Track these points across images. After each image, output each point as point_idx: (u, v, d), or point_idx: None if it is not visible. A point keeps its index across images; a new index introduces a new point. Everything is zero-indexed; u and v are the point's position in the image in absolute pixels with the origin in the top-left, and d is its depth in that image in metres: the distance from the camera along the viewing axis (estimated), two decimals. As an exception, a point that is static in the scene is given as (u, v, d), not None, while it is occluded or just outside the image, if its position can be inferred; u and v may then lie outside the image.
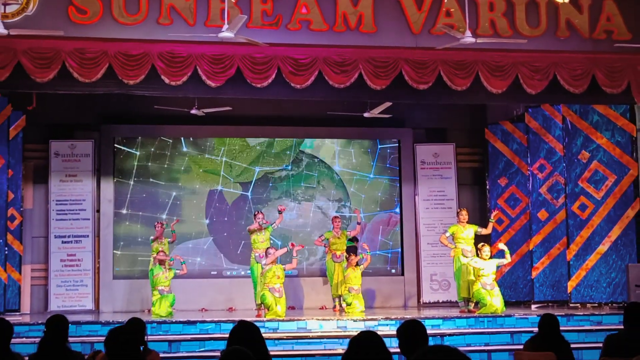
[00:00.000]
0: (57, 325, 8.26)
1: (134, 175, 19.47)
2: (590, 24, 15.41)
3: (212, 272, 19.50)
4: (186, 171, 19.68)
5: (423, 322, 6.51)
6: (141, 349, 7.05)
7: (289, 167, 20.05)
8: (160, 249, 17.14)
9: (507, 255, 16.56)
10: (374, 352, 5.26)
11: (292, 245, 16.68)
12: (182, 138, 19.70)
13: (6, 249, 17.40)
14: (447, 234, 17.04)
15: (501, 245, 16.77)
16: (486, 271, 16.21)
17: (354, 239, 18.53)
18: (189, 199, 19.66)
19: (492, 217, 17.21)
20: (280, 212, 17.27)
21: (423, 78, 15.16)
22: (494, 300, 15.99)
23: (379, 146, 20.40)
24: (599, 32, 15.41)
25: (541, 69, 15.46)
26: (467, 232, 16.95)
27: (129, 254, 19.19)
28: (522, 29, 15.16)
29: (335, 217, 18.34)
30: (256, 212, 17.41)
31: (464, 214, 17.08)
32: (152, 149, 19.59)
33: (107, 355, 5.89)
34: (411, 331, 6.23)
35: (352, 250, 18.12)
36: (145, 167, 19.51)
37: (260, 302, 16.41)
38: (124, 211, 19.32)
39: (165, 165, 19.61)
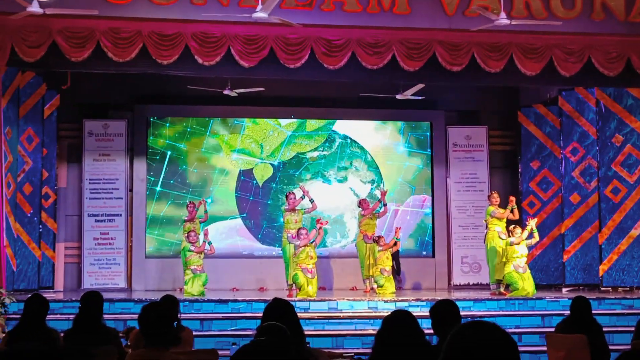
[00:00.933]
0: (92, 301, 8.34)
1: (166, 155, 19.53)
2: (625, 6, 15.30)
3: (244, 252, 19.56)
4: (217, 151, 19.72)
5: (454, 303, 6.52)
6: (174, 325, 7.12)
7: (321, 149, 20.05)
8: (192, 228, 17.23)
9: (535, 234, 16.52)
10: (407, 330, 5.29)
11: (319, 221, 16.74)
12: (213, 118, 19.74)
13: (40, 227, 17.54)
14: (498, 212, 16.86)
15: (531, 223, 16.64)
16: (519, 253, 16.19)
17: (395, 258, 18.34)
18: (219, 179, 19.70)
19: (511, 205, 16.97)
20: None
21: (456, 60, 15.13)
22: (526, 284, 15.97)
23: (412, 128, 20.35)
24: (634, 15, 15.29)
25: (575, 52, 15.38)
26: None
27: (161, 233, 19.28)
28: (557, 10, 15.07)
29: (364, 199, 18.34)
30: (288, 193, 17.48)
31: (496, 197, 17.03)
32: (185, 129, 19.64)
33: (141, 331, 5.94)
34: (444, 311, 6.26)
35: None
36: (177, 146, 19.57)
37: (292, 282, 16.48)
38: (157, 190, 19.40)
39: (197, 145, 19.65)
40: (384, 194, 18.21)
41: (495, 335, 3.05)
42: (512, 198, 17.14)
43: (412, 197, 20.28)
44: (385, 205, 18.12)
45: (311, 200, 17.30)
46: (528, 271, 16.23)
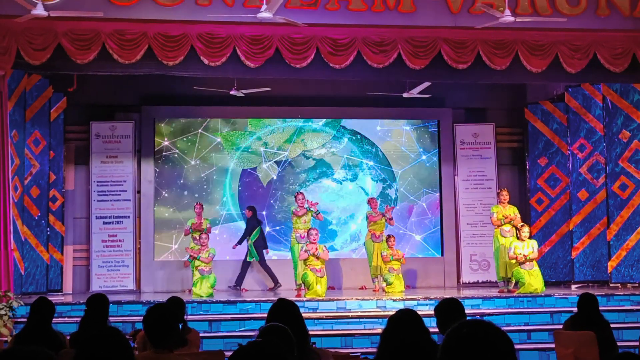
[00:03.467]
0: (98, 303, 8.35)
1: (173, 156, 19.54)
2: (630, 2, 15.28)
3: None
4: (223, 151, 19.71)
5: (462, 302, 6.52)
6: (180, 327, 7.11)
7: (329, 145, 20.04)
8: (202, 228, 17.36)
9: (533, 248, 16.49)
10: (413, 329, 5.27)
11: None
12: (220, 119, 19.74)
13: (48, 229, 17.56)
14: (494, 217, 16.97)
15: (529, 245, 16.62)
16: (525, 252, 16.18)
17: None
18: (225, 179, 19.69)
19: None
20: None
21: (462, 58, 15.11)
22: (533, 281, 15.94)
23: (424, 125, 20.33)
24: (639, 11, 15.26)
25: (581, 48, 15.36)
26: (507, 212, 16.96)
27: (170, 235, 19.29)
28: (562, 7, 15.05)
29: (372, 198, 18.37)
30: (297, 194, 17.49)
31: (505, 194, 17.05)
32: (192, 130, 19.64)
33: (146, 333, 5.93)
34: (449, 309, 6.25)
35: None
36: (186, 147, 19.57)
37: (300, 282, 16.50)
38: (165, 192, 19.42)
39: (203, 146, 19.65)
40: (389, 210, 18.18)
41: (491, 333, 3.05)
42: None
43: (425, 196, 20.23)
44: (390, 219, 18.05)
45: (317, 213, 17.27)
46: (536, 268, 16.20)
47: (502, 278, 17.02)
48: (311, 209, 17.10)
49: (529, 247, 16.27)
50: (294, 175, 19.90)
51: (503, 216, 16.99)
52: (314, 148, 19.99)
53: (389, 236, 17.66)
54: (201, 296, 16.09)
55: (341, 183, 20.06)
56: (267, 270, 18.51)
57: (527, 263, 16.14)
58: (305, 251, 16.17)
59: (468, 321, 3.12)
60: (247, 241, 18.49)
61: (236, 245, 18.67)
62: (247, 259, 18.45)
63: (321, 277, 16.01)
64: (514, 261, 16.35)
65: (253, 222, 18.66)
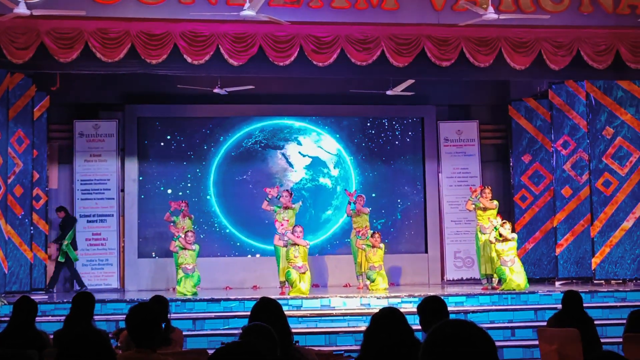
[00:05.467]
0: (83, 302, 8.33)
1: (157, 154, 19.53)
2: (614, -2, 15.31)
3: (234, 253, 19.57)
4: (207, 148, 19.70)
5: (446, 299, 6.53)
6: (163, 326, 7.09)
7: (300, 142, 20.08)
8: (190, 227, 17.32)
9: (508, 236, 16.51)
10: (395, 328, 5.28)
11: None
12: (203, 116, 19.73)
13: (32, 228, 17.51)
14: (473, 205, 17.01)
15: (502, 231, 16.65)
16: (505, 248, 16.21)
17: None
18: (209, 177, 19.69)
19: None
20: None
21: (445, 55, 15.11)
22: (515, 277, 15.97)
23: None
24: (622, 7, 15.28)
25: (564, 45, 15.37)
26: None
27: (154, 233, 19.26)
28: (545, 4, 15.06)
29: (360, 195, 18.36)
30: (282, 190, 17.49)
31: (487, 192, 17.05)
32: (175, 128, 19.64)
33: (129, 332, 5.91)
34: (431, 307, 6.26)
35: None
36: (168, 146, 19.56)
37: (284, 280, 16.51)
38: (148, 190, 19.39)
39: (188, 144, 19.64)
40: (350, 194, 18.22)
41: (473, 333, 3.05)
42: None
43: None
44: (355, 204, 18.05)
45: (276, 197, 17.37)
46: (518, 264, 16.21)
47: (485, 275, 17.05)
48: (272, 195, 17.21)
49: (509, 243, 16.31)
50: (268, 172, 19.94)
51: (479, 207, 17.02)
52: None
53: (373, 232, 17.67)
54: (185, 294, 16.06)
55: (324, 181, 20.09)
56: (74, 274, 18.29)
57: (509, 259, 16.16)
58: (281, 240, 16.38)
59: (450, 321, 3.12)
60: (62, 243, 18.10)
61: (53, 244, 18.47)
62: (60, 259, 18.08)
63: (303, 273, 16.03)
64: (496, 257, 16.37)
65: (68, 222, 18.45)
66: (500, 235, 16.27)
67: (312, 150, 20.12)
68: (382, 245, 17.50)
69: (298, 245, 16.24)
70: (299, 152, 20.09)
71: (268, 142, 20.01)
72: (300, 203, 17.92)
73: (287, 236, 16.42)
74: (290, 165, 20.05)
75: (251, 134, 19.94)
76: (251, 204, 19.36)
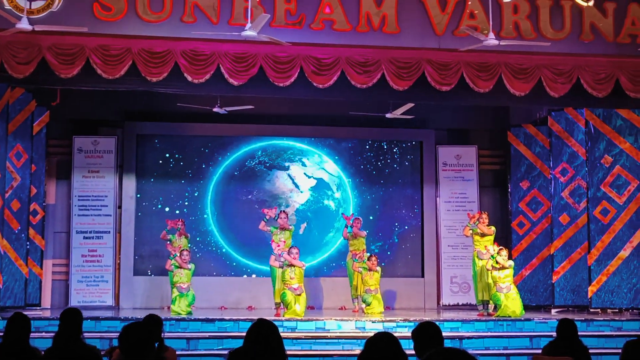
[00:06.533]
0: (70, 318, 8.27)
1: (155, 172, 19.52)
2: (614, 27, 15.31)
3: (230, 272, 19.53)
4: (205, 167, 19.70)
5: (441, 325, 6.50)
6: (156, 345, 7.05)
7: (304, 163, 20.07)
8: (185, 246, 17.29)
9: (505, 264, 16.51)
10: (390, 353, 5.25)
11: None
12: (202, 135, 19.74)
13: (28, 243, 17.47)
14: (470, 230, 17.03)
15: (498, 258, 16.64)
16: (501, 275, 16.21)
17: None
18: (207, 196, 19.67)
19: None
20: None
21: (446, 79, 15.11)
22: (511, 304, 15.94)
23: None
24: (623, 36, 15.31)
25: (564, 72, 15.38)
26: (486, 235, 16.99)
27: (150, 251, 19.22)
28: (546, 31, 15.09)
29: (357, 218, 18.32)
30: (280, 212, 17.41)
31: (484, 218, 17.05)
32: (174, 146, 19.64)
33: (121, 351, 5.87)
34: (426, 333, 6.22)
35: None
36: (167, 163, 19.56)
37: (279, 301, 16.47)
38: (146, 208, 19.37)
39: (186, 162, 19.65)
40: (347, 218, 18.22)
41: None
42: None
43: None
44: (352, 227, 18.03)
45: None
46: (514, 291, 16.20)
47: (481, 301, 17.02)
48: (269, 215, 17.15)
49: (506, 271, 16.31)
50: (270, 193, 19.93)
51: (477, 232, 17.02)
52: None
53: (370, 255, 17.63)
54: (179, 314, 16.02)
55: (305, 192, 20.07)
56: None
57: (504, 286, 16.15)
58: (277, 261, 16.34)
59: (443, 349, 3.10)
60: None
61: None
62: None
63: (299, 295, 15.99)
64: (492, 283, 16.37)
65: None
66: (497, 262, 16.26)
67: (316, 171, 20.13)
68: (378, 268, 17.47)
69: (294, 266, 16.22)
70: (304, 174, 20.09)
71: (273, 162, 20.00)
72: (305, 225, 17.91)
73: (284, 257, 16.40)
74: (297, 186, 20.04)
75: (254, 154, 19.94)
76: (248, 224, 19.31)
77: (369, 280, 17.27)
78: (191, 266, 16.78)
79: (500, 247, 16.64)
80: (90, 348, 7.97)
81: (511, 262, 16.50)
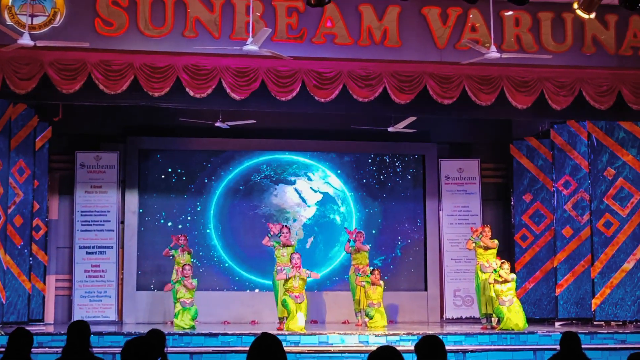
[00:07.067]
0: (79, 330, 8.27)
1: (157, 187, 19.52)
2: (616, 40, 15.33)
3: (233, 287, 19.51)
4: (208, 181, 19.71)
5: (445, 338, 6.48)
6: (159, 360, 7.03)
7: (309, 177, 20.07)
8: (188, 261, 17.27)
9: (507, 277, 16.50)
10: (392, 367, 5.24)
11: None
12: (204, 150, 19.75)
13: (31, 259, 17.45)
14: (473, 244, 16.99)
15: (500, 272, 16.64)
16: (504, 289, 16.20)
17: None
18: (209, 211, 19.67)
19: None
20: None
21: (447, 93, 15.11)
22: (513, 317, 15.92)
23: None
24: (625, 49, 15.33)
25: (566, 85, 15.37)
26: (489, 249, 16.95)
27: (153, 265, 19.20)
28: (548, 44, 15.11)
29: (360, 232, 18.28)
30: (282, 227, 17.36)
31: (487, 231, 17.00)
32: (176, 161, 19.64)
33: (123, 366, 5.87)
34: (429, 347, 6.19)
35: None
36: (169, 178, 19.56)
37: (282, 316, 16.43)
38: (148, 223, 19.36)
39: (189, 177, 19.64)
40: (350, 233, 18.19)
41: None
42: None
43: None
44: (355, 241, 17.99)
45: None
46: (516, 303, 16.17)
47: (485, 314, 16.98)
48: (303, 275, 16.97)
49: (508, 284, 16.30)
50: (273, 208, 19.93)
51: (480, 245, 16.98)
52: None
53: (373, 269, 17.60)
54: (183, 328, 16.01)
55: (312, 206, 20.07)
56: None
57: (507, 299, 16.14)
58: (283, 272, 16.29)
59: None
60: None
61: None
62: None
63: (300, 303, 15.97)
64: (495, 297, 16.35)
65: None
66: (500, 276, 16.24)
67: (322, 185, 20.12)
68: (381, 282, 17.43)
69: (298, 275, 16.17)
70: (311, 188, 20.09)
71: (279, 176, 20.00)
72: (312, 239, 17.88)
73: (278, 278, 16.39)
74: (304, 200, 20.04)
75: (258, 168, 19.92)
76: (251, 239, 19.31)
77: (372, 295, 17.22)
78: (194, 282, 16.77)
79: (503, 260, 16.61)
80: (98, 360, 8.00)
81: (513, 276, 16.48)
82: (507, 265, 16.38)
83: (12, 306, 16.82)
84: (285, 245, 17.03)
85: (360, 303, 17.62)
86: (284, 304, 16.03)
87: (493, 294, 16.46)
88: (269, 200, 19.96)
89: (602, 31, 15.27)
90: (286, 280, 16.23)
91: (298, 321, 15.74)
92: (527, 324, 16.14)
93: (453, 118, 18.42)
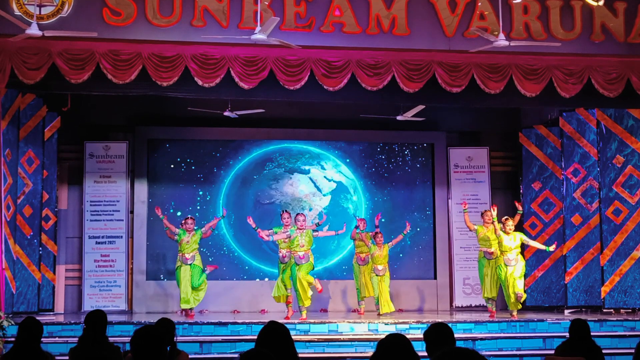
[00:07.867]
0: (96, 320, 8.34)
1: (166, 177, 19.54)
2: (625, 27, 15.27)
3: (243, 276, 19.52)
4: (217, 171, 19.72)
5: (454, 326, 6.49)
6: (169, 349, 7.05)
7: (315, 165, 20.06)
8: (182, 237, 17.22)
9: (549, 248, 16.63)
10: (402, 354, 5.25)
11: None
12: (213, 139, 19.75)
13: (40, 249, 17.49)
14: (473, 226, 17.02)
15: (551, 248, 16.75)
16: (510, 244, 16.23)
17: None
18: (218, 200, 19.68)
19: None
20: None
21: (456, 81, 15.08)
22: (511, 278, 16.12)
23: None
24: (634, 36, 15.27)
25: (575, 73, 15.34)
26: (490, 234, 16.90)
27: (162, 255, 19.22)
28: (557, 32, 15.06)
29: (360, 218, 18.31)
30: (282, 212, 17.35)
31: (489, 215, 16.95)
32: (185, 150, 19.65)
33: (133, 355, 5.86)
34: (437, 335, 6.20)
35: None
36: (178, 168, 19.56)
37: (286, 301, 16.57)
38: (158, 212, 19.37)
39: (198, 166, 19.65)
40: (359, 220, 18.17)
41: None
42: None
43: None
44: (361, 231, 17.99)
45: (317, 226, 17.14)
46: (521, 263, 16.30)
47: (488, 298, 16.96)
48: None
49: (515, 240, 16.31)
50: (280, 195, 19.92)
51: (484, 238, 16.95)
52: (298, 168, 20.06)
53: (376, 233, 17.64)
54: (189, 303, 16.40)
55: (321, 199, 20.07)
56: None
57: (512, 258, 16.19)
58: (285, 233, 16.45)
59: (454, 349, 3.09)
60: None
61: None
62: None
63: (302, 264, 16.25)
64: (503, 276, 16.38)
65: None
66: (502, 227, 16.35)
67: (335, 174, 20.11)
68: (387, 244, 17.54)
69: (304, 231, 16.21)
70: (325, 177, 20.08)
71: (293, 165, 20.00)
72: (328, 226, 17.82)
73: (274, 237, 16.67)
74: (319, 189, 20.03)
75: (270, 157, 19.93)
76: (260, 228, 19.29)
77: (378, 258, 17.30)
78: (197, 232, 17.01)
79: (507, 217, 16.70)
80: (114, 349, 8.06)
81: (521, 235, 16.59)
82: (510, 222, 16.46)
83: (22, 296, 16.87)
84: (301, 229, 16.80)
85: (362, 291, 17.68)
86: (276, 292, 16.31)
87: (502, 276, 16.41)
88: (284, 189, 19.96)
89: (610, 19, 15.21)
90: (292, 240, 16.22)
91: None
92: (522, 292, 16.24)
93: (462, 106, 18.37)
